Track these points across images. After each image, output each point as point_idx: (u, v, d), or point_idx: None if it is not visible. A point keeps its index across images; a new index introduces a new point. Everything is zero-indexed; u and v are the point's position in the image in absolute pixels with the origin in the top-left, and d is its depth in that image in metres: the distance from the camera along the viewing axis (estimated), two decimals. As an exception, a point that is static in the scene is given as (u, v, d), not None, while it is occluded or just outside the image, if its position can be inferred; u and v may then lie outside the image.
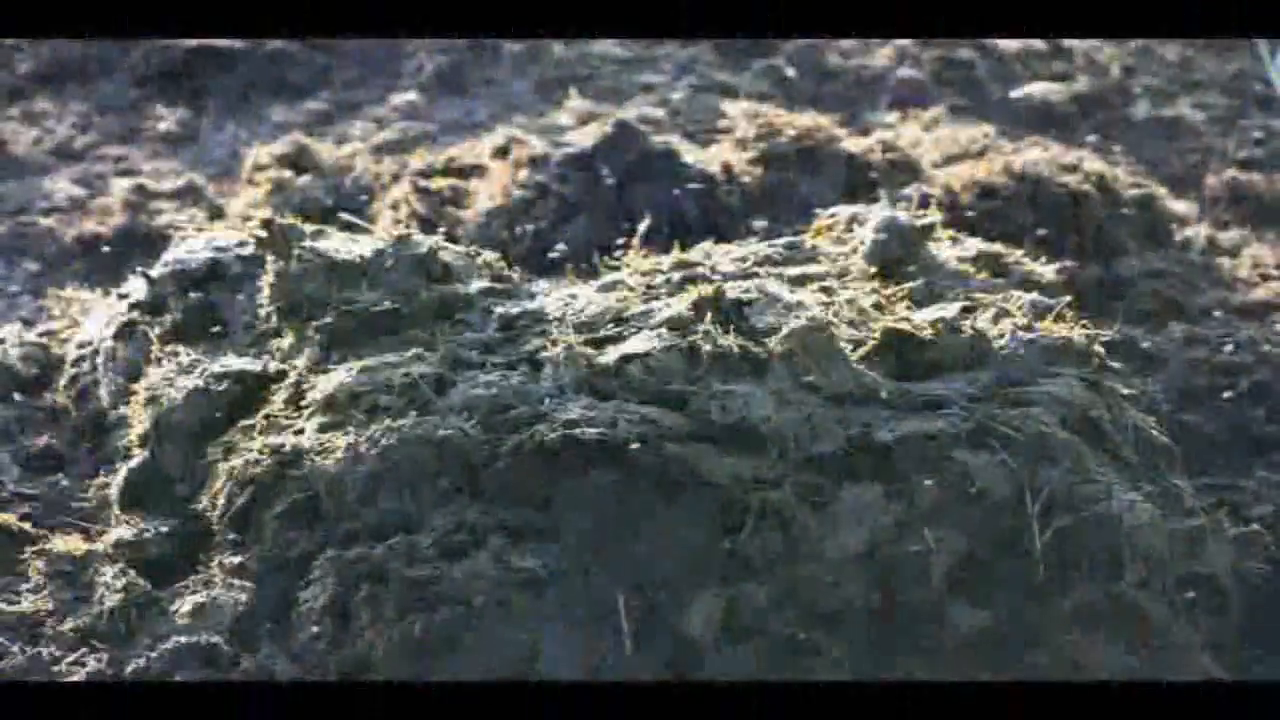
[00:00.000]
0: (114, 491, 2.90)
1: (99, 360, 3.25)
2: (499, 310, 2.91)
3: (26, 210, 4.30)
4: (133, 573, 2.68)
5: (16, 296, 3.88)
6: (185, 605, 2.60)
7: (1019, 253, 3.35)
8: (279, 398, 2.83)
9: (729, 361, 2.65)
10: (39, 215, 4.25)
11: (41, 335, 3.57)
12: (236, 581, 2.60)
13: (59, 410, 3.31)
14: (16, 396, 3.37)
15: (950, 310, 2.81)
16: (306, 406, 2.76)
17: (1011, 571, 2.48)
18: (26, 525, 2.88)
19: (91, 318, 3.46)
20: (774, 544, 2.47)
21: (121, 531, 2.79)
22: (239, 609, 2.57)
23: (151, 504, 2.86)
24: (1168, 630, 2.47)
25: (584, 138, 4.05)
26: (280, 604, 2.56)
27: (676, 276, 3.00)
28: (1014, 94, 4.91)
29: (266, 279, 3.05)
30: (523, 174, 3.95)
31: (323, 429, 2.70)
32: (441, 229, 3.76)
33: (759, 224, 3.79)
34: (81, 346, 3.35)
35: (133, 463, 2.91)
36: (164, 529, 2.78)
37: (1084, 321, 2.88)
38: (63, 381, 3.33)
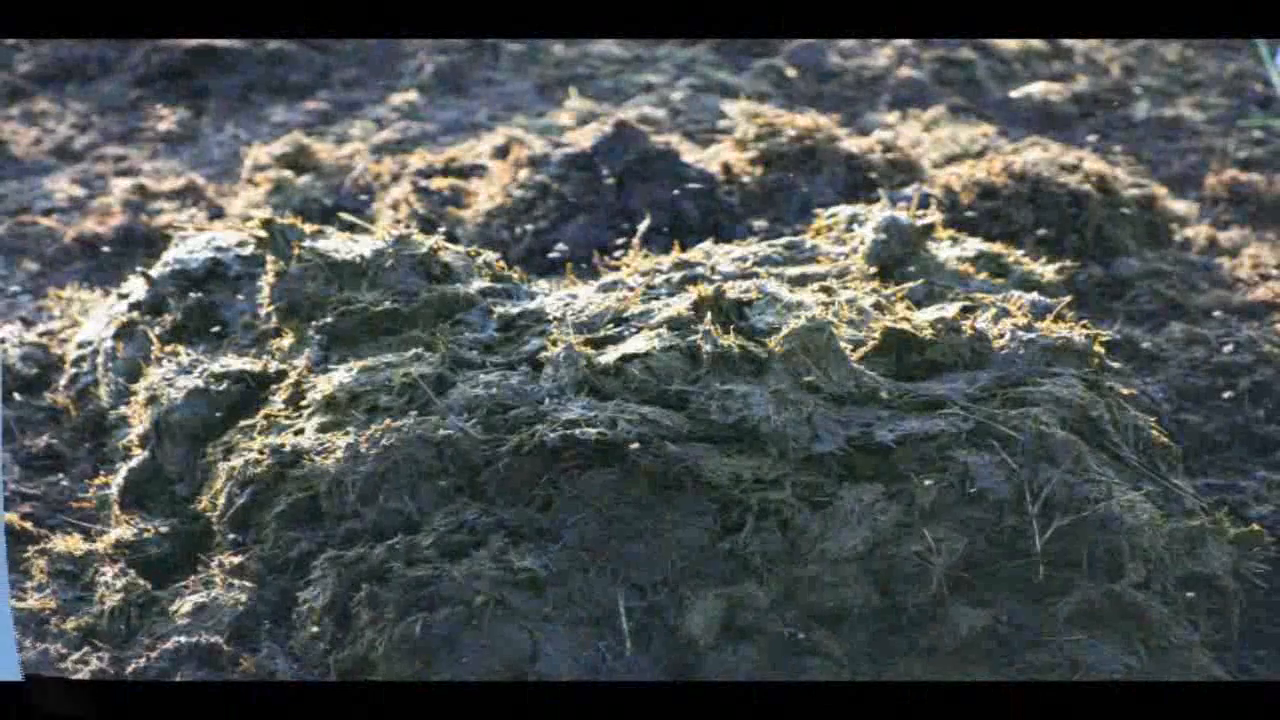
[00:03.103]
0: (114, 491, 2.89)
1: (99, 360, 3.25)
2: (499, 310, 2.91)
3: (26, 210, 4.30)
4: (133, 573, 2.67)
5: (16, 296, 3.87)
6: (185, 605, 2.59)
7: (1019, 253, 3.35)
8: (279, 398, 2.83)
9: (729, 361, 2.65)
10: (39, 215, 4.25)
11: (41, 335, 3.57)
12: (236, 581, 2.60)
13: (59, 410, 3.31)
14: (16, 396, 3.37)
15: (950, 310, 2.80)
16: (306, 406, 2.76)
17: (1011, 571, 2.48)
18: (27, 525, 2.88)
19: (91, 318, 3.46)
20: (774, 544, 2.46)
21: (121, 531, 2.78)
22: (239, 609, 2.56)
23: (151, 504, 2.86)
24: (1168, 630, 2.47)
25: (584, 138, 4.04)
26: (280, 604, 2.56)
27: (676, 276, 3.00)
28: (1014, 94, 4.90)
29: (266, 279, 3.05)
30: (523, 174, 3.94)
31: (323, 429, 2.70)
32: (441, 229, 3.76)
33: (759, 224, 3.78)
34: (81, 346, 3.35)
35: (133, 463, 2.91)
36: (164, 529, 2.78)
37: (1084, 321, 2.87)
38: (63, 381, 3.33)
